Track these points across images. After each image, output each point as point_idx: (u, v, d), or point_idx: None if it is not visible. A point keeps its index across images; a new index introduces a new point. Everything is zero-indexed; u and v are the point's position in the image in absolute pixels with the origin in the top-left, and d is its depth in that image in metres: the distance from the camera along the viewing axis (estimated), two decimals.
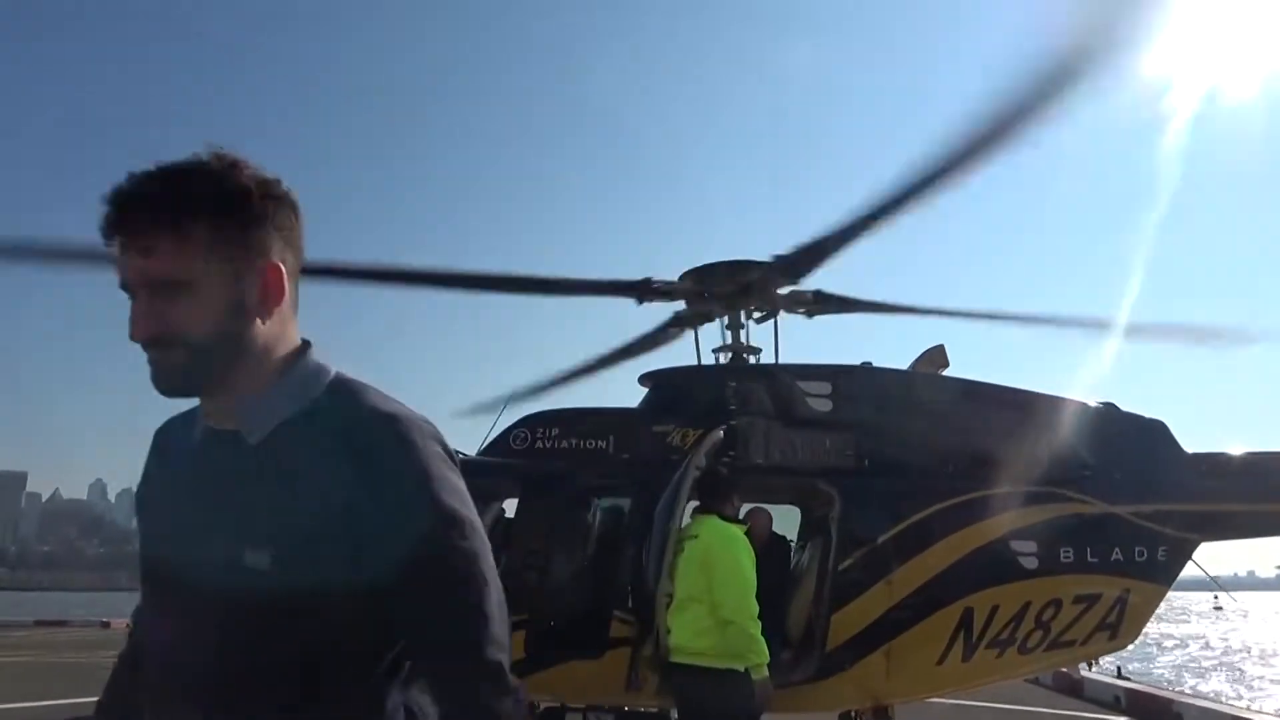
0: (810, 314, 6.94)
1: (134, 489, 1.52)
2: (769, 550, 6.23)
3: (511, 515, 6.32)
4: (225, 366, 1.28)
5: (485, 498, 6.43)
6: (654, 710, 6.12)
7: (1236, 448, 6.93)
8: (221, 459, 1.32)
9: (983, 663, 6.08)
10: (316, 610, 1.23)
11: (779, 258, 6.31)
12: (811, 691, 5.96)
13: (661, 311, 7.09)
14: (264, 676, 1.24)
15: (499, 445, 6.47)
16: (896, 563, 6.03)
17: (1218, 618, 78.85)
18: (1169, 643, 42.36)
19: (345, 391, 1.34)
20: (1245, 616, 74.97)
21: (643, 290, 6.68)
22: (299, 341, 1.37)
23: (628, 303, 6.77)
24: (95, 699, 1.63)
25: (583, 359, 7.88)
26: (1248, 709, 14.69)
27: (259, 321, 1.30)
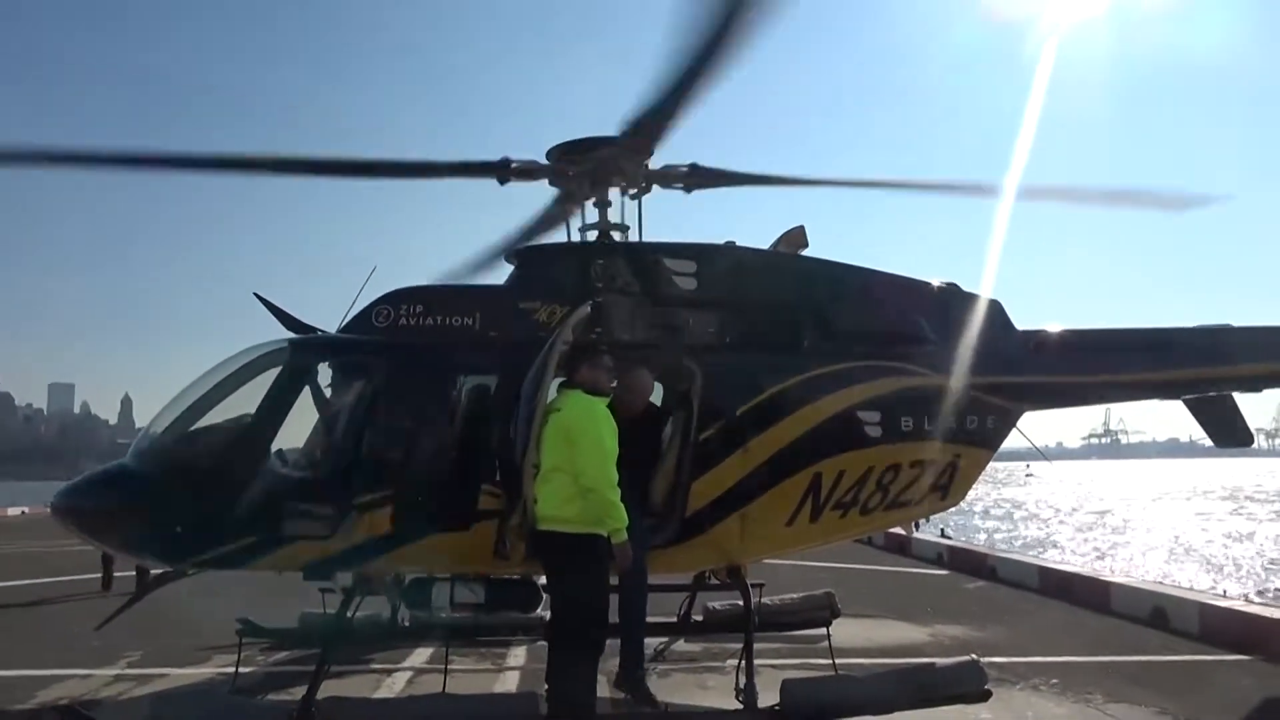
0: (688, 188, 6.88)
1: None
2: (645, 417, 6.42)
3: (376, 393, 6.18)
4: None
5: (348, 375, 6.28)
6: (518, 577, 6.32)
7: (1057, 325, 7.57)
8: None
9: (828, 523, 6.54)
10: None
11: (627, 128, 5.94)
12: (671, 554, 6.28)
13: (529, 191, 6.90)
14: None
15: (361, 322, 6.28)
16: (752, 434, 6.33)
17: (1029, 483, 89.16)
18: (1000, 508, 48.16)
19: None
20: (1062, 482, 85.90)
21: (502, 170, 6.47)
22: None
23: (489, 184, 6.55)
24: None
25: (474, 250, 7.53)
26: (1047, 559, 16.63)
27: None
